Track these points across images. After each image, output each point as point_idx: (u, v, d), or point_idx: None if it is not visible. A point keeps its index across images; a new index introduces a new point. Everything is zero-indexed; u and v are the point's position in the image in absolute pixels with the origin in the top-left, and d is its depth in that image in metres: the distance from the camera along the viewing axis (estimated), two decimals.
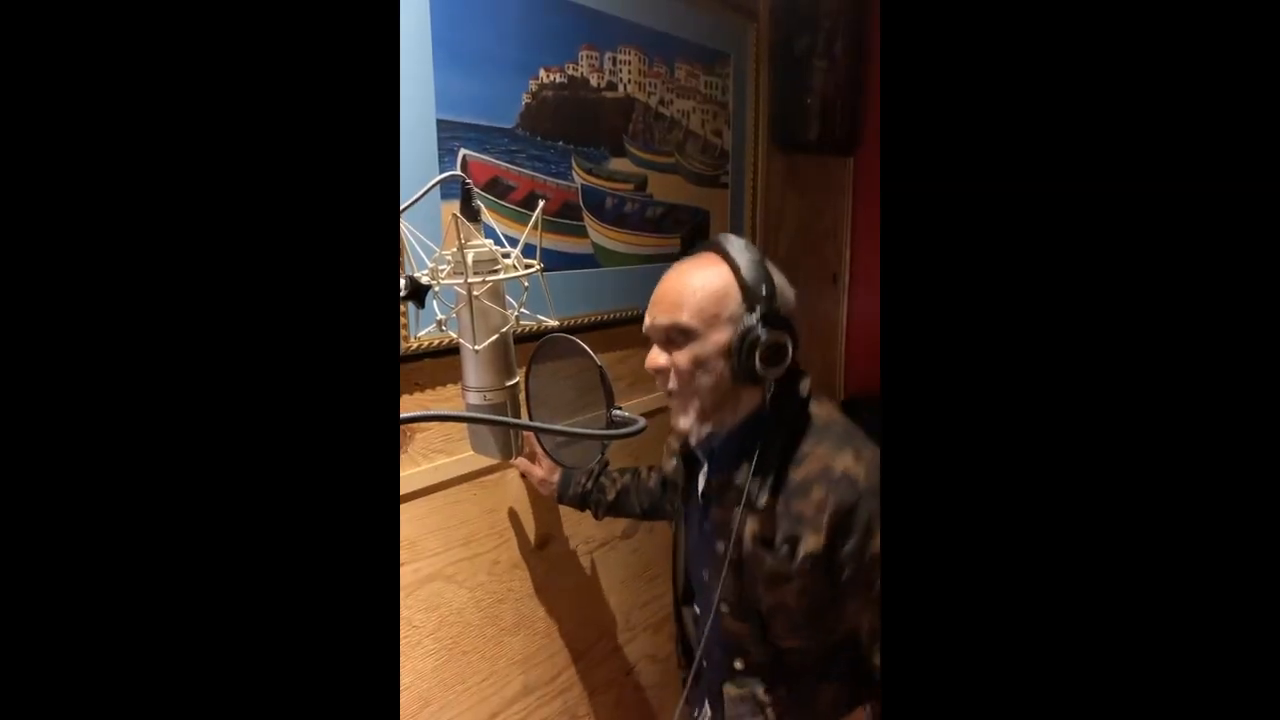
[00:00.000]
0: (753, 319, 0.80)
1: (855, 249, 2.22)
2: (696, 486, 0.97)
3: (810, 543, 0.82)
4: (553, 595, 1.34)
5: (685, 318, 0.81)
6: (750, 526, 0.86)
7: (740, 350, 0.80)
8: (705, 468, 0.94)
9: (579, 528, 1.37)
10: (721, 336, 0.81)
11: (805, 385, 0.88)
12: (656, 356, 0.84)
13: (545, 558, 1.32)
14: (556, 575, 1.35)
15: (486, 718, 1.24)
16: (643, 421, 0.78)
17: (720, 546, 0.89)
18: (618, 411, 0.68)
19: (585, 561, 1.40)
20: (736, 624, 0.92)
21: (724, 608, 0.91)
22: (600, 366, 0.68)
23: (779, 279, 0.84)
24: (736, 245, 0.84)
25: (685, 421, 0.86)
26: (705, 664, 1.02)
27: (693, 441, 0.93)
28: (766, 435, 0.85)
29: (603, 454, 0.82)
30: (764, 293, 0.81)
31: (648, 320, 0.85)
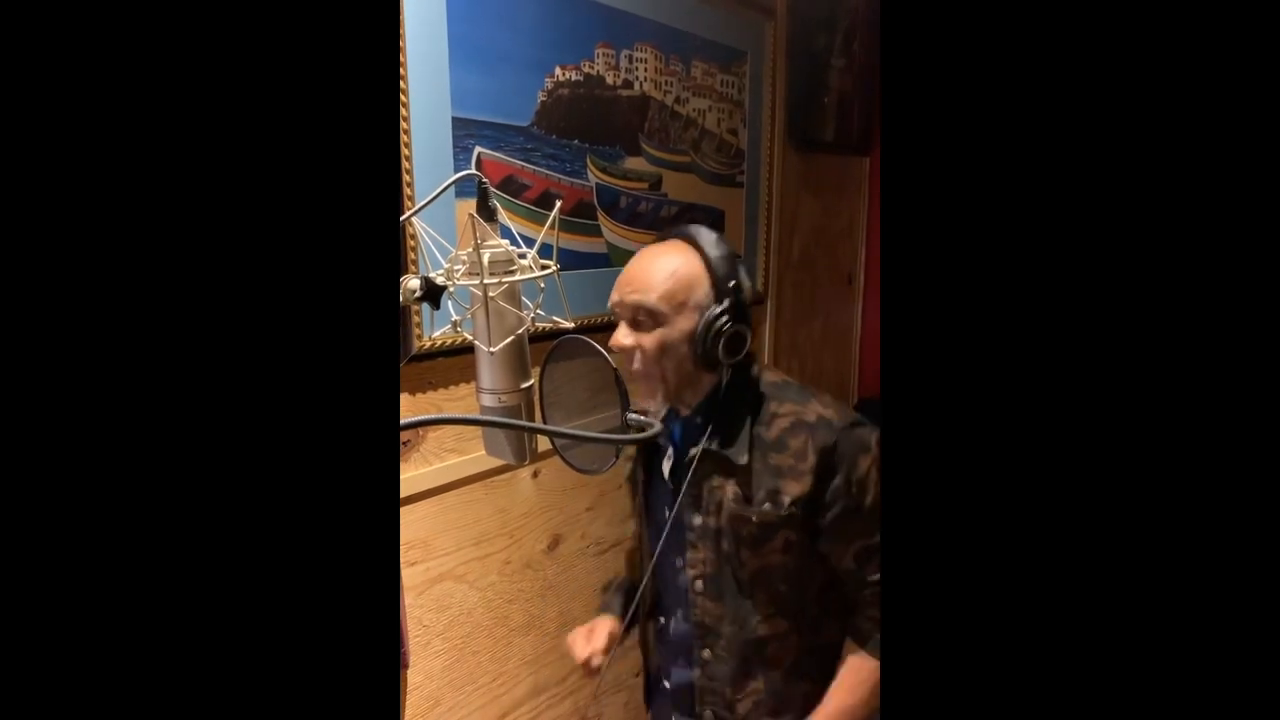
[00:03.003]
0: (719, 309, 0.83)
1: (871, 250, 2.20)
2: (661, 476, 0.96)
3: (795, 490, 0.85)
4: (563, 596, 1.33)
5: (654, 300, 0.84)
6: (730, 491, 0.88)
7: (705, 338, 0.83)
8: (670, 451, 0.95)
9: (590, 529, 1.37)
10: (687, 323, 0.84)
11: (756, 361, 0.93)
12: (623, 336, 0.87)
13: (556, 558, 1.32)
14: (567, 576, 1.34)
15: (496, 718, 1.24)
16: (659, 425, 0.77)
17: (697, 519, 0.90)
18: (633, 415, 0.67)
19: (595, 562, 1.40)
20: (711, 604, 0.91)
21: (699, 585, 0.91)
22: (615, 368, 0.67)
23: (743, 273, 0.88)
24: (708, 238, 0.87)
25: (651, 403, 0.89)
26: (671, 670, 1.00)
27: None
28: (731, 404, 0.89)
29: (617, 458, 0.81)
30: (731, 285, 0.84)
31: (615, 297, 0.87)
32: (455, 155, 1.02)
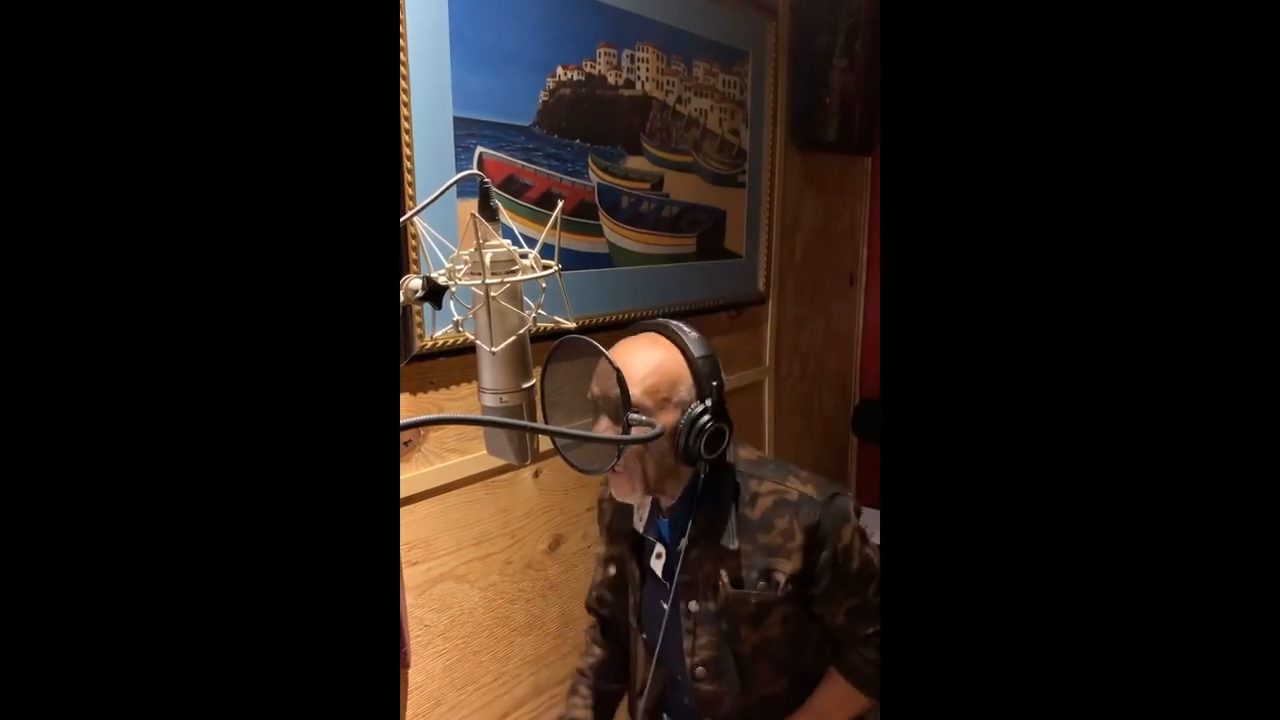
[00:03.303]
0: (701, 408, 0.84)
1: (873, 249, 2.20)
2: (651, 572, 0.97)
3: (787, 568, 0.87)
4: (564, 596, 1.33)
5: (637, 395, 0.83)
6: (724, 575, 0.90)
7: (688, 434, 0.83)
8: (659, 547, 0.96)
9: (591, 528, 1.37)
10: (669, 418, 0.84)
11: (732, 446, 0.93)
12: (604, 429, 0.85)
13: (557, 558, 1.31)
14: (568, 576, 1.34)
15: (497, 718, 1.24)
16: (660, 426, 0.77)
17: (694, 606, 0.92)
18: (634, 414, 0.67)
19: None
20: (714, 685, 0.94)
21: (700, 671, 0.93)
22: (617, 369, 0.67)
23: (721, 371, 0.89)
24: (690, 335, 0.87)
25: (633, 497, 0.89)
26: None
27: (639, 520, 0.96)
28: (713, 492, 0.90)
29: (619, 458, 0.81)
30: (713, 385, 0.85)
31: (596, 390, 0.85)
32: (457, 155, 1.02)
